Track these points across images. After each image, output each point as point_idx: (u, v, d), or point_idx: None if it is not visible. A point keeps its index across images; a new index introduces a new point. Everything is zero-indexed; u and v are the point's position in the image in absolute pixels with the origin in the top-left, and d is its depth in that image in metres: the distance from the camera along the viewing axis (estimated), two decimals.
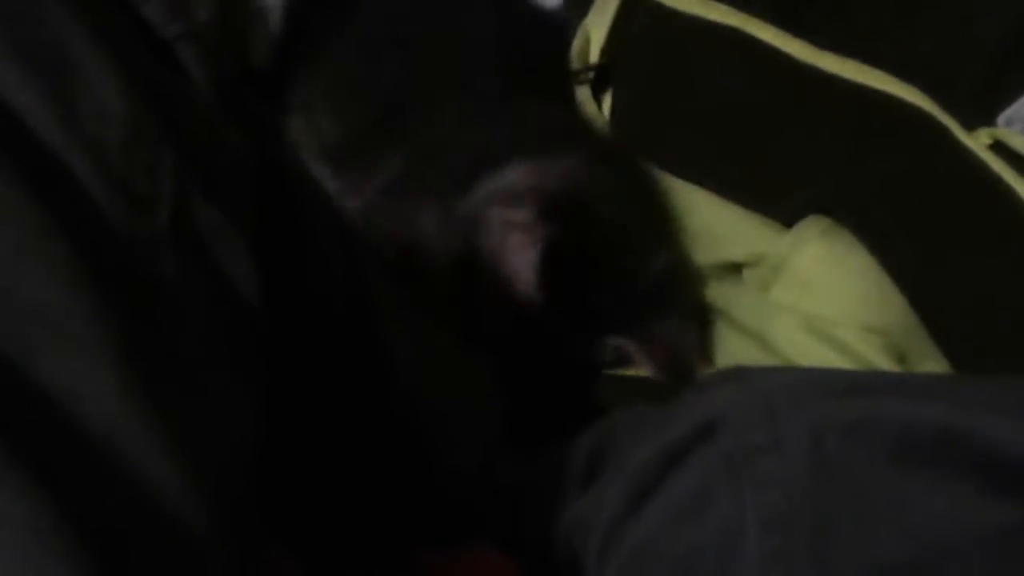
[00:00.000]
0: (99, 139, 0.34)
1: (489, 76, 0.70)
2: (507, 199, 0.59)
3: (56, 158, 0.33)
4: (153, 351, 0.33)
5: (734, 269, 0.58)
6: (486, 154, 0.61)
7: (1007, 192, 0.55)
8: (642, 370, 0.58)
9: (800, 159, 0.60)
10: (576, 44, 0.70)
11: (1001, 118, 0.57)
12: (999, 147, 0.56)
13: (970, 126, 0.57)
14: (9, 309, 0.30)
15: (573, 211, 0.59)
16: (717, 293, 0.59)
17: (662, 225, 0.63)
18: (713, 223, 0.59)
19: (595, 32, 0.68)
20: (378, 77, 0.68)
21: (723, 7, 0.64)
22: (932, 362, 0.54)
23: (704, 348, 0.62)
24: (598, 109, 0.69)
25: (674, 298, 0.62)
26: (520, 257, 0.58)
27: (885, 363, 0.53)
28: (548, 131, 0.66)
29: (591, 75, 0.69)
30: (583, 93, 0.70)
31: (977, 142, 0.56)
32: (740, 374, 0.46)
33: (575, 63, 0.70)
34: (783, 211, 0.57)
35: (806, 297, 0.56)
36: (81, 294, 0.31)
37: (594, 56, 0.68)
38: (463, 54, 0.72)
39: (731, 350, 0.57)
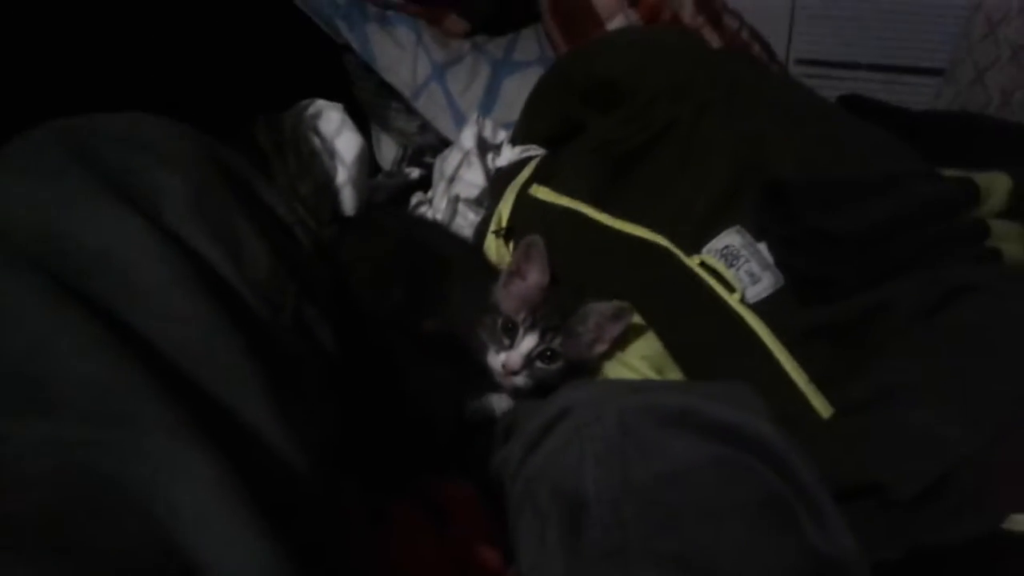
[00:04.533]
0: (255, 277, 0.43)
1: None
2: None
3: (232, 285, 0.41)
4: (284, 384, 0.39)
5: None
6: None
7: (707, 288, 0.72)
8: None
9: (607, 278, 0.77)
10: (493, 217, 0.92)
11: (704, 249, 0.75)
12: (704, 265, 0.73)
13: (689, 254, 0.74)
14: (225, 366, 0.37)
15: None
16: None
17: None
18: None
19: (504, 211, 0.92)
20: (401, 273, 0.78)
21: (565, 198, 0.85)
22: (675, 373, 0.71)
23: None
24: (507, 251, 0.89)
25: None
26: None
27: (652, 374, 0.70)
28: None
29: (502, 234, 0.91)
30: (499, 243, 0.91)
31: (693, 263, 0.74)
32: (581, 384, 0.55)
33: (492, 227, 0.92)
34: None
35: (624, 345, 0.75)
36: (246, 355, 0.38)
37: (503, 223, 0.91)
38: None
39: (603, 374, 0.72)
